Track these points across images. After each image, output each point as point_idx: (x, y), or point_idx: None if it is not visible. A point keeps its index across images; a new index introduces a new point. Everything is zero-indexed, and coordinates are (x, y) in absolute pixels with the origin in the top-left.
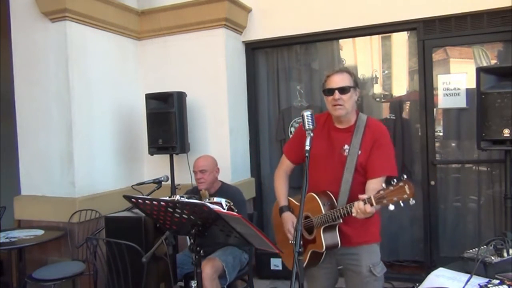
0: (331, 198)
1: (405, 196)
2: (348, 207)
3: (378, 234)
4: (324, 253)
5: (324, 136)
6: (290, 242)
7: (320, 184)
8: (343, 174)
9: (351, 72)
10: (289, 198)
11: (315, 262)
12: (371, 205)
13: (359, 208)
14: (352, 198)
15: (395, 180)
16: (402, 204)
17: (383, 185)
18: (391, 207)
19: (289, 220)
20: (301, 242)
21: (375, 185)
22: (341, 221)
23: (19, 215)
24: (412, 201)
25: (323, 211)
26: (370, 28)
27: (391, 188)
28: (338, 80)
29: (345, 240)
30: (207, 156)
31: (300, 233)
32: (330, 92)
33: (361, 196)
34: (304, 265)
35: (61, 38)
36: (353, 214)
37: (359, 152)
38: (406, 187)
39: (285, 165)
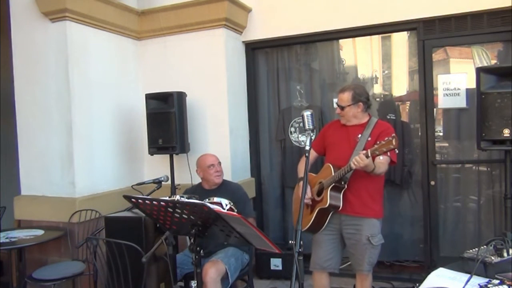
0: (341, 168)
1: (391, 146)
2: (348, 165)
3: (378, 212)
4: (329, 216)
5: (341, 129)
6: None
7: (334, 161)
8: (352, 154)
9: (353, 89)
10: (310, 173)
11: (320, 225)
12: (367, 156)
13: (359, 157)
14: (356, 171)
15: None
16: (388, 155)
17: (377, 142)
18: (381, 157)
19: (301, 187)
20: (311, 203)
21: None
22: (346, 186)
23: (19, 215)
24: (396, 151)
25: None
26: (370, 28)
27: (383, 142)
28: (340, 99)
29: (350, 208)
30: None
31: (300, 233)
32: (338, 106)
33: (361, 152)
34: (309, 224)
35: (61, 38)
36: (352, 164)
37: (369, 138)
38: (393, 140)
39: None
